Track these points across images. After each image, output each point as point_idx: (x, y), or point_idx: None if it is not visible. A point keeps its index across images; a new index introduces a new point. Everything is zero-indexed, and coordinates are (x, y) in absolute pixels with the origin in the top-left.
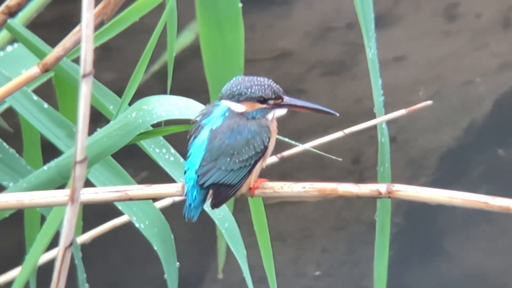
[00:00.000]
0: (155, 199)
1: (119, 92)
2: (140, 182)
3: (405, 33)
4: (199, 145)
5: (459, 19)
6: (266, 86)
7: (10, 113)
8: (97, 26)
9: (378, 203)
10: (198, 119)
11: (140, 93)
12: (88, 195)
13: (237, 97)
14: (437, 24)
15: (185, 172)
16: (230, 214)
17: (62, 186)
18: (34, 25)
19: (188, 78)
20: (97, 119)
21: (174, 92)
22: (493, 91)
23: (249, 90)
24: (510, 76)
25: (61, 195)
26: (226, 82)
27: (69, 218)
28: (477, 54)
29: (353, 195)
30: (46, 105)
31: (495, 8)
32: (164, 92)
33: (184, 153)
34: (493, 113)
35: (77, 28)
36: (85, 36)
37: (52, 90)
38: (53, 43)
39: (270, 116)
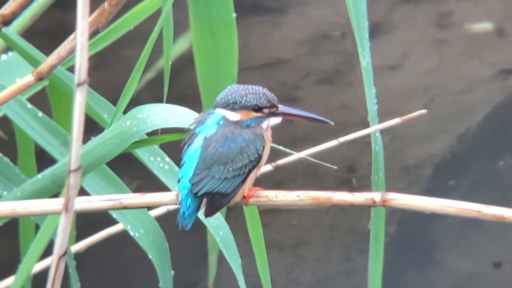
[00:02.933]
0: (149, 208)
1: (114, 101)
2: (135, 190)
3: (399, 42)
4: (192, 153)
5: (452, 28)
6: (261, 94)
7: (5, 121)
8: (92, 35)
9: (372, 212)
10: (192, 127)
11: (134, 102)
12: (83, 203)
13: (232, 106)
14: (431, 32)
15: (179, 181)
16: (225, 222)
17: (56, 195)
18: (28, 34)
19: (183, 86)
20: (92, 127)
21: (168, 100)
22: (487, 100)
23: (244, 98)
24: (504, 85)
25: (55, 203)
26: (219, 91)
27: (63, 227)
28: (470, 63)
29: (348, 203)
30: (40, 114)
31: (488, 17)
32: (158, 101)
33: (178, 162)
34: (487, 122)
35: (71, 37)
36: (79, 44)
37: (47, 99)
38: (47, 52)
39: (264, 124)
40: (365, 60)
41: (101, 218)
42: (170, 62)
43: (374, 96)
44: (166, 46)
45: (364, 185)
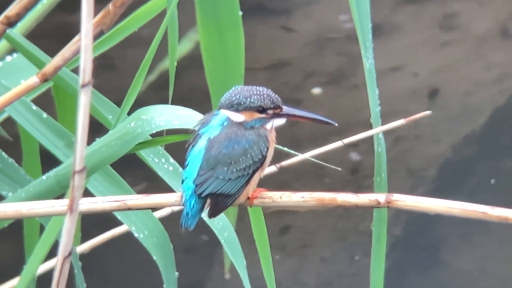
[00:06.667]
0: (154, 209)
1: (118, 102)
2: (139, 191)
3: (403, 43)
4: (196, 154)
5: (457, 29)
6: (265, 95)
7: (10, 123)
8: (96, 36)
9: (375, 213)
10: (196, 128)
11: (139, 103)
12: (87, 204)
13: (236, 107)
14: (435, 34)
15: (182, 182)
16: (229, 223)
17: (61, 196)
18: (33, 35)
19: (187, 87)
20: (96, 129)
21: (172, 101)
22: (492, 101)
23: (248, 99)
24: (509, 86)
25: (60, 205)
26: (227, 90)
27: (68, 228)
28: (475, 64)
29: (352, 205)
30: (45, 115)
31: (493, 18)
32: (162, 102)
33: (183, 163)
34: (491, 123)
35: (76, 38)
36: (84, 46)
37: (51, 100)
38: (52, 53)
39: (268, 125)
40: (368, 62)
41: (105, 220)
42: (176, 63)
43: (377, 98)
44: (171, 46)
45: (369, 186)
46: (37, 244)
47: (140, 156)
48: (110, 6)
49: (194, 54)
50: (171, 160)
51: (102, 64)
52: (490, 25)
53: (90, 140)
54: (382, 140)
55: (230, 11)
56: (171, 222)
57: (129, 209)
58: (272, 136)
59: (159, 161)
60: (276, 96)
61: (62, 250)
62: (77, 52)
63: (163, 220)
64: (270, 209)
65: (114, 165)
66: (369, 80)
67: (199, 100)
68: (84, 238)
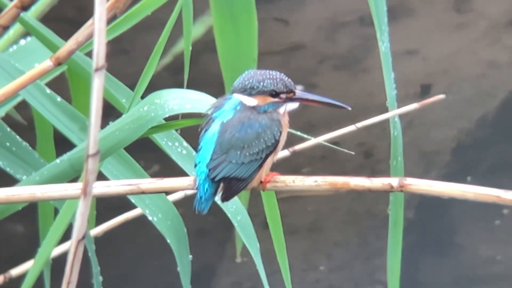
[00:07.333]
0: (167, 193)
1: (132, 86)
2: (152, 174)
3: (417, 26)
4: (209, 138)
5: (471, 13)
6: (278, 80)
7: (24, 106)
8: (110, 20)
9: (391, 197)
10: (209, 112)
11: (152, 87)
12: (101, 188)
13: (249, 91)
14: (449, 17)
15: (196, 165)
16: (243, 207)
17: (75, 179)
18: (47, 19)
19: (200, 71)
20: (110, 112)
21: (186, 85)
22: (506, 84)
23: (261, 83)
24: None
25: (73, 188)
26: (240, 74)
27: (82, 211)
28: (489, 47)
29: (365, 189)
30: (59, 99)
31: (507, 2)
32: (175, 85)
33: (196, 147)
34: (505, 107)
35: (89, 22)
36: (97, 30)
37: (66, 84)
38: (66, 37)
39: (281, 110)
40: (383, 45)
41: (119, 203)
42: (190, 46)
43: (392, 81)
44: (186, 27)
45: (382, 170)
46: (51, 227)
47: (154, 140)
48: None
49: (206, 38)
50: (185, 143)
51: (115, 48)
52: (504, 8)
53: (104, 123)
54: (399, 124)
55: None
56: (184, 205)
57: (143, 192)
58: (285, 120)
59: (172, 144)
60: (289, 80)
61: (76, 233)
62: (90, 36)
63: (176, 203)
64: (283, 193)
65: (127, 148)
66: (385, 63)
67: (212, 84)
68: (98, 221)
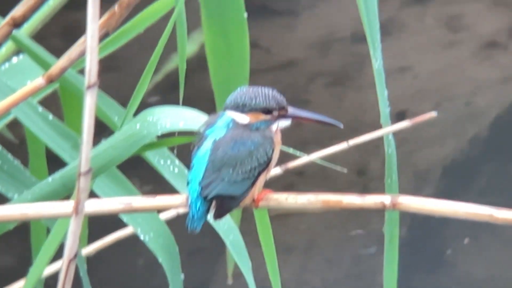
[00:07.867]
0: (159, 211)
1: (124, 103)
2: (145, 193)
3: (408, 43)
4: (201, 156)
5: (463, 30)
6: (270, 97)
7: (15, 124)
8: (102, 37)
9: (386, 215)
10: (201, 129)
11: (143, 104)
12: (93, 206)
13: (241, 108)
14: (441, 34)
15: (188, 183)
16: (235, 226)
17: (67, 198)
18: (39, 36)
19: (192, 89)
20: (102, 130)
21: (178, 102)
22: (498, 102)
23: (254, 101)
24: None
25: (65, 206)
26: (232, 91)
27: (73, 230)
28: (481, 65)
29: (358, 207)
30: (51, 117)
31: (499, 20)
32: (166, 103)
33: (188, 165)
34: (497, 125)
35: (82, 39)
36: (90, 47)
37: (58, 102)
38: (58, 54)
39: (274, 127)
40: (377, 62)
41: (111, 222)
42: (185, 63)
43: (386, 99)
44: (180, 43)
45: (375, 188)
46: (43, 246)
47: (146, 159)
48: (115, 7)
49: (199, 56)
50: (177, 161)
51: (107, 65)
52: (495, 25)
53: (96, 141)
54: (393, 142)
55: (235, 12)
56: (176, 224)
57: (135, 210)
58: (278, 138)
59: (164, 163)
60: (282, 97)
61: (67, 253)
62: (82, 54)
63: (168, 222)
64: (276, 211)
65: (120, 167)
66: (378, 80)
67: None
68: (90, 240)
